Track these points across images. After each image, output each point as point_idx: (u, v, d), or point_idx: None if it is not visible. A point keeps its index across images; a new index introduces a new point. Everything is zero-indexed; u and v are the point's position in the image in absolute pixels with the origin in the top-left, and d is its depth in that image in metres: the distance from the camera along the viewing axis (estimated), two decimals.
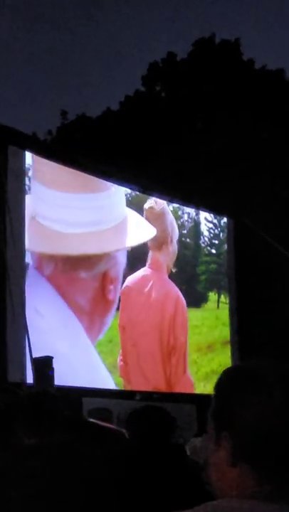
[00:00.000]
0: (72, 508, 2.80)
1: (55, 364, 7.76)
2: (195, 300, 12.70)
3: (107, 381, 10.24)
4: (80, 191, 9.89)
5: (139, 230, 10.74)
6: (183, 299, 11.40)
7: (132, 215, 10.69)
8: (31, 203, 9.42)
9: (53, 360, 7.75)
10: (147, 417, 3.35)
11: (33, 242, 9.26)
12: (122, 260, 10.37)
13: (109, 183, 10.63)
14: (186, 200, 12.80)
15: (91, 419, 4.89)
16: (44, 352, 8.24)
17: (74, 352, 9.64)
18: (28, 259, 9.27)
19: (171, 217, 11.82)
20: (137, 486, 3.13)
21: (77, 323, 9.54)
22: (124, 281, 10.57)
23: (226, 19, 44.25)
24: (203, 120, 20.60)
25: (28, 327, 8.54)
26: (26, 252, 9.27)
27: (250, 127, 19.08)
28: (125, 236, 10.45)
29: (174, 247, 11.71)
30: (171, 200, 12.27)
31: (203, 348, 12.40)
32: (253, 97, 20.91)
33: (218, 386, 1.52)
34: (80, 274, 9.54)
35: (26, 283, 9.06)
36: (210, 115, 20.43)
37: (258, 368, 1.49)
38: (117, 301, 10.29)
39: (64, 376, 8.37)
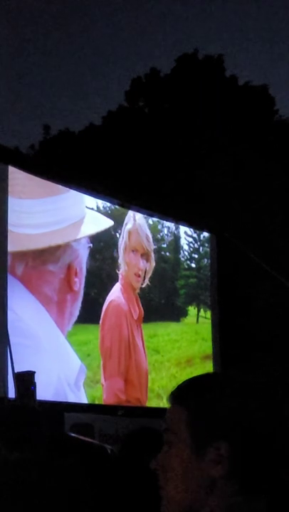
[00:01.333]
0: None
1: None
2: (174, 314, 12.73)
3: (81, 369, 10.53)
4: (43, 196, 10.50)
5: (96, 223, 11.40)
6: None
7: (89, 213, 11.28)
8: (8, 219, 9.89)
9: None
10: (144, 441, 3.37)
11: (8, 247, 9.81)
12: (84, 254, 10.89)
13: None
14: (165, 214, 12.89)
15: (73, 434, 4.93)
16: (14, 342, 8.86)
17: (48, 342, 10.03)
18: None
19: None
20: (120, 501, 3.17)
21: (45, 313, 10.08)
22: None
23: (209, 35, 44.54)
24: (186, 135, 20.70)
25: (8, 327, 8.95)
26: (7, 262, 9.67)
27: (233, 142, 19.21)
28: (84, 228, 11.10)
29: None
30: (150, 215, 12.36)
31: (182, 362, 12.42)
32: (237, 113, 21.06)
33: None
34: (48, 267, 10.19)
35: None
36: (193, 131, 20.55)
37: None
38: (81, 292, 10.69)
39: (41, 367, 8.95)
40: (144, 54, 45.62)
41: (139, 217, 12.01)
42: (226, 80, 23.35)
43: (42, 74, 54.95)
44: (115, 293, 11.32)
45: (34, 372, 7.92)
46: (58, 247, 10.40)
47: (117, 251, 11.51)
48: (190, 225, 13.35)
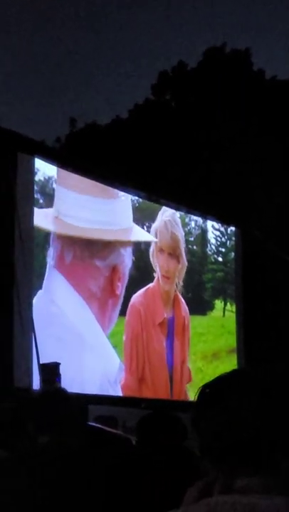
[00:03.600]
0: (83, 507, 2.85)
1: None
2: (201, 308, 12.72)
3: (120, 367, 10.77)
4: (98, 195, 10.79)
5: (142, 235, 11.68)
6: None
7: (136, 226, 11.54)
8: (54, 206, 10.25)
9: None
10: (159, 423, 3.37)
11: (57, 231, 10.23)
12: (128, 262, 11.13)
13: (120, 192, 11.00)
14: (193, 208, 12.85)
15: (98, 425, 4.93)
16: (57, 335, 9.24)
17: (90, 339, 10.28)
18: (50, 257, 10.01)
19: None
20: (143, 490, 3.16)
21: (88, 309, 10.32)
22: None
23: (236, 28, 44.36)
24: (212, 129, 20.62)
25: (43, 315, 9.13)
26: (49, 250, 9.98)
27: (259, 137, 19.10)
28: (132, 234, 11.40)
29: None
30: (177, 208, 12.33)
31: (209, 356, 12.42)
32: (263, 107, 20.93)
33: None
34: (95, 262, 10.49)
35: (45, 280, 9.80)
36: (219, 125, 20.46)
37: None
38: (122, 298, 10.89)
39: (85, 362, 9.58)
40: (172, 47, 45.45)
41: (167, 214, 12.00)
42: (252, 73, 23.21)
43: (69, 67, 55.06)
44: (139, 293, 11.40)
45: (59, 364, 7.95)
46: (106, 245, 10.69)
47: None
48: (217, 219, 13.31)
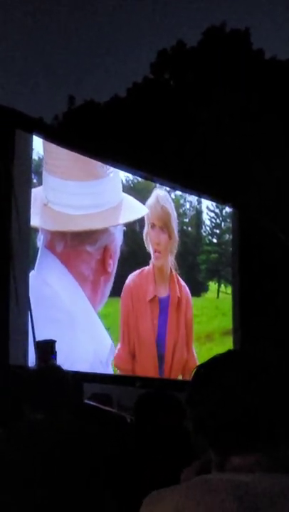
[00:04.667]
0: (78, 483, 2.88)
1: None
2: (195, 289, 12.67)
3: (112, 348, 10.76)
4: (85, 179, 10.72)
5: (133, 210, 11.56)
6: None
7: (127, 198, 11.42)
8: (43, 192, 10.14)
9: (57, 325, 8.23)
10: (158, 402, 3.39)
11: (47, 224, 10.15)
12: (119, 237, 11.11)
13: (108, 170, 11.01)
14: (188, 187, 12.83)
15: (93, 403, 4.97)
16: (50, 316, 9.24)
17: (83, 319, 10.29)
18: (40, 241, 10.00)
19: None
20: (139, 468, 3.19)
21: (81, 291, 10.35)
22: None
23: (236, 8, 44.11)
24: (211, 109, 20.58)
25: (36, 296, 9.09)
26: (38, 235, 9.94)
27: (258, 117, 19.09)
28: (121, 214, 11.34)
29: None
30: (173, 187, 12.32)
31: (202, 337, 12.42)
32: (262, 87, 20.90)
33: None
34: (86, 248, 10.51)
35: (38, 261, 9.83)
36: (217, 104, 20.43)
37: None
38: (114, 274, 10.90)
39: (76, 342, 9.63)
40: (171, 26, 45.22)
41: (160, 190, 11.99)
42: (252, 53, 23.16)
43: (67, 44, 54.81)
44: (135, 273, 11.45)
45: (55, 341, 7.97)
46: (96, 230, 10.68)
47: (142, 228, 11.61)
48: (213, 198, 13.29)
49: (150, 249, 11.60)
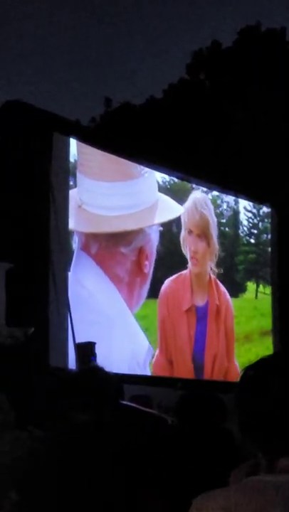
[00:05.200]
0: (120, 485, 2.89)
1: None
2: (233, 290, 12.58)
3: (149, 350, 10.71)
4: (119, 180, 10.67)
5: (168, 210, 11.42)
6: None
7: (162, 197, 11.31)
8: (77, 194, 10.08)
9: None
10: (200, 403, 3.38)
11: (81, 226, 10.11)
12: (155, 238, 11.00)
13: (142, 170, 10.95)
14: (227, 188, 12.74)
15: (133, 405, 4.96)
16: (87, 318, 9.25)
17: (119, 321, 10.26)
18: (75, 243, 9.98)
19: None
20: (182, 470, 3.18)
21: (117, 292, 10.32)
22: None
23: (271, 7, 43.81)
24: (247, 109, 20.49)
25: (72, 298, 9.13)
26: (74, 236, 9.93)
27: None
28: (156, 214, 11.23)
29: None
30: (209, 188, 12.25)
31: (241, 338, 12.31)
32: None
33: None
34: (120, 250, 10.43)
35: (73, 263, 9.79)
36: (254, 105, 20.33)
37: None
38: (151, 275, 10.80)
39: (114, 343, 9.62)
40: (206, 26, 45.09)
41: (197, 193, 11.87)
42: (287, 52, 22.98)
43: (103, 47, 54.94)
44: (171, 278, 11.26)
45: (94, 343, 8.00)
46: (130, 231, 10.57)
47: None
48: (250, 198, 13.20)
49: (187, 254, 11.44)
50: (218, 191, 12.63)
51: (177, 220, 11.42)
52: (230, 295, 12.17)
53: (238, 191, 13.06)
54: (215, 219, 12.01)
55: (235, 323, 12.25)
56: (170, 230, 11.40)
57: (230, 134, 19.87)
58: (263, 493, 1.49)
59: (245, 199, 13.22)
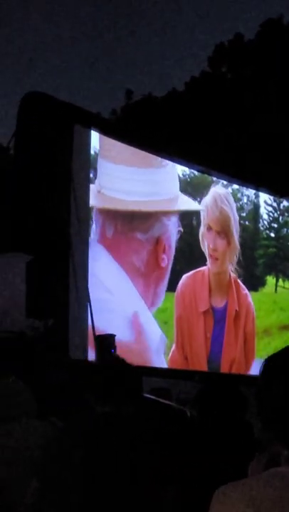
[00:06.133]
0: (142, 476, 2.90)
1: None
2: (252, 284, 12.49)
3: (161, 337, 10.44)
4: (140, 166, 10.42)
5: (188, 204, 11.15)
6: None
7: (183, 195, 11.06)
8: (97, 180, 9.91)
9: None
10: (220, 395, 3.38)
11: (99, 207, 9.90)
12: (174, 231, 10.67)
13: (163, 161, 10.85)
14: (247, 181, 12.68)
15: (153, 397, 4.98)
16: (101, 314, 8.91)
17: (126, 310, 9.94)
18: (93, 233, 9.73)
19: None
20: (202, 462, 3.19)
21: (131, 285, 10.00)
22: None
23: None
24: (269, 102, 20.42)
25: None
26: (92, 227, 9.68)
27: None
28: (176, 206, 10.92)
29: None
30: (230, 181, 12.19)
31: (260, 332, 12.22)
32: None
33: None
34: (137, 235, 10.15)
35: (90, 256, 9.47)
36: (276, 97, 20.25)
37: None
38: (168, 272, 10.49)
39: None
40: (228, 19, 44.98)
41: (218, 187, 11.74)
42: None
43: (125, 40, 54.84)
44: (188, 274, 10.91)
45: (115, 335, 8.00)
46: (148, 217, 10.27)
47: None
48: (270, 192, 13.12)
49: (206, 251, 11.16)
50: (239, 185, 12.56)
51: (196, 215, 11.26)
52: (250, 289, 12.02)
53: (259, 185, 13.00)
54: (237, 217, 11.75)
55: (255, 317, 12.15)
56: (190, 224, 11.21)
57: (252, 127, 19.81)
58: (286, 484, 1.49)
59: (265, 193, 13.15)
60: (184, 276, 10.84)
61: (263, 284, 12.94)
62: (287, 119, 19.27)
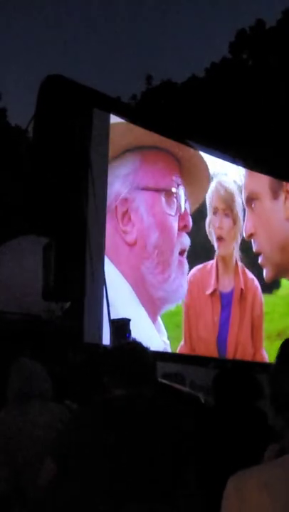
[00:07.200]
0: (158, 459, 2.92)
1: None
2: (266, 286, 12.16)
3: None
4: None
5: None
6: None
7: None
8: None
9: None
10: (235, 381, 3.39)
11: None
12: (143, 208, 10.00)
13: None
14: (270, 172, 12.52)
15: (167, 382, 4.99)
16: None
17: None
18: None
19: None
20: (213, 445, 3.20)
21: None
22: None
23: None
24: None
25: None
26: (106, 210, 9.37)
27: None
28: None
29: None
30: (252, 169, 12.05)
31: (273, 335, 11.93)
32: None
33: None
34: None
35: None
36: None
37: None
38: (139, 248, 9.88)
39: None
40: (250, 5, 44.70)
41: (221, 174, 11.47)
42: None
43: (145, 24, 54.66)
44: (200, 265, 10.67)
45: (130, 320, 8.01)
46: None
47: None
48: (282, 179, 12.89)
49: (214, 239, 10.94)
50: (258, 172, 12.37)
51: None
52: (264, 291, 11.73)
53: (281, 174, 12.78)
54: (240, 200, 11.43)
55: (268, 320, 11.81)
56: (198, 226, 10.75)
57: (273, 114, 19.72)
58: None
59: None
60: (193, 269, 10.57)
61: (278, 286, 12.53)
62: None
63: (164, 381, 4.98)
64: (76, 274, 8.77)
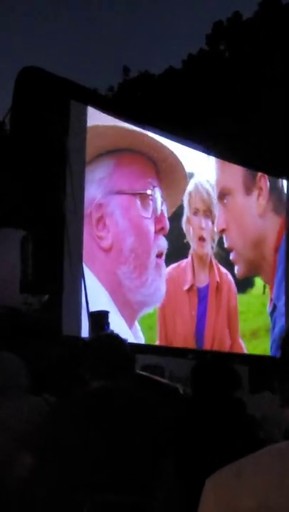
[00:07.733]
0: (137, 450, 2.91)
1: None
2: (240, 285, 12.04)
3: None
4: None
5: None
6: None
7: None
8: None
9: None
10: (214, 372, 3.39)
11: None
12: (118, 213, 9.98)
13: None
14: (246, 163, 12.53)
15: (146, 374, 4.99)
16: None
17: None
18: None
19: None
20: (191, 436, 3.20)
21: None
22: None
23: None
24: (268, 81, 20.35)
25: None
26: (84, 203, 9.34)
27: None
28: None
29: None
30: (228, 160, 12.04)
31: (247, 335, 11.95)
32: None
33: None
34: None
35: None
36: (275, 76, 20.18)
37: None
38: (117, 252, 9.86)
39: None
40: None
41: (199, 175, 11.43)
42: None
43: (122, 15, 54.52)
44: (174, 264, 10.65)
45: (108, 312, 7.99)
46: None
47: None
48: (270, 174, 12.89)
49: (191, 238, 10.93)
50: (237, 164, 12.31)
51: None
52: (238, 291, 11.73)
53: (258, 166, 12.76)
54: (216, 202, 11.42)
55: (243, 319, 11.85)
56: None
57: (250, 106, 19.76)
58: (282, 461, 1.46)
59: (265, 173, 12.88)
60: (169, 267, 10.53)
61: (252, 285, 12.45)
62: (286, 98, 19.22)
63: (142, 373, 4.98)
64: (54, 267, 8.75)
